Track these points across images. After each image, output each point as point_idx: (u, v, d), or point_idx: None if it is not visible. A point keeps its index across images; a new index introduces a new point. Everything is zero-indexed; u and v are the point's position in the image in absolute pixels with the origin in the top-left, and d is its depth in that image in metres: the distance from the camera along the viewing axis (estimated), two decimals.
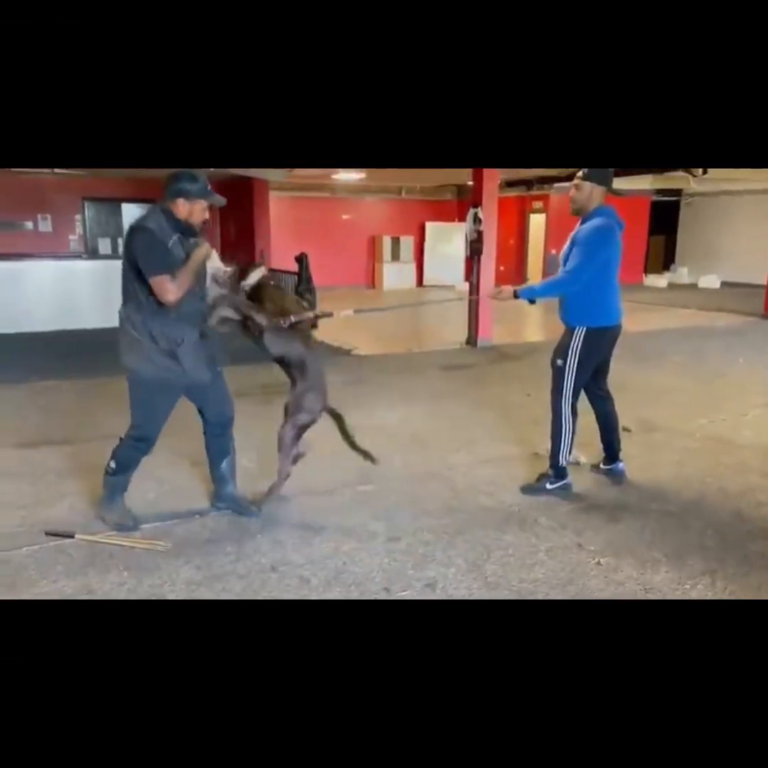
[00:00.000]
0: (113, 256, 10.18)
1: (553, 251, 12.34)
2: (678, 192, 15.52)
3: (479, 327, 7.84)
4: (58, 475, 3.77)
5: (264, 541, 3.00)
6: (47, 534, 3.01)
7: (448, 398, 5.55)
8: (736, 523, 3.20)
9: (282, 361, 3.17)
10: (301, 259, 8.67)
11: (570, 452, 3.54)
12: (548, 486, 3.51)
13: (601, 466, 3.77)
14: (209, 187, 2.86)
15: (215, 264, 3.06)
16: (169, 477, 3.70)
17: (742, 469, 3.90)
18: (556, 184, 12.32)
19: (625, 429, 4.59)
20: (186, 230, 2.87)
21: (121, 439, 3.07)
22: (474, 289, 7.87)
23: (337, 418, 3.27)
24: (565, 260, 3.35)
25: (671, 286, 15.43)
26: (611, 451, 3.72)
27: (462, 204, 14.93)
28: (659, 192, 15.03)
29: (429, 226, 15.41)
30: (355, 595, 2.57)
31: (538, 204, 14.55)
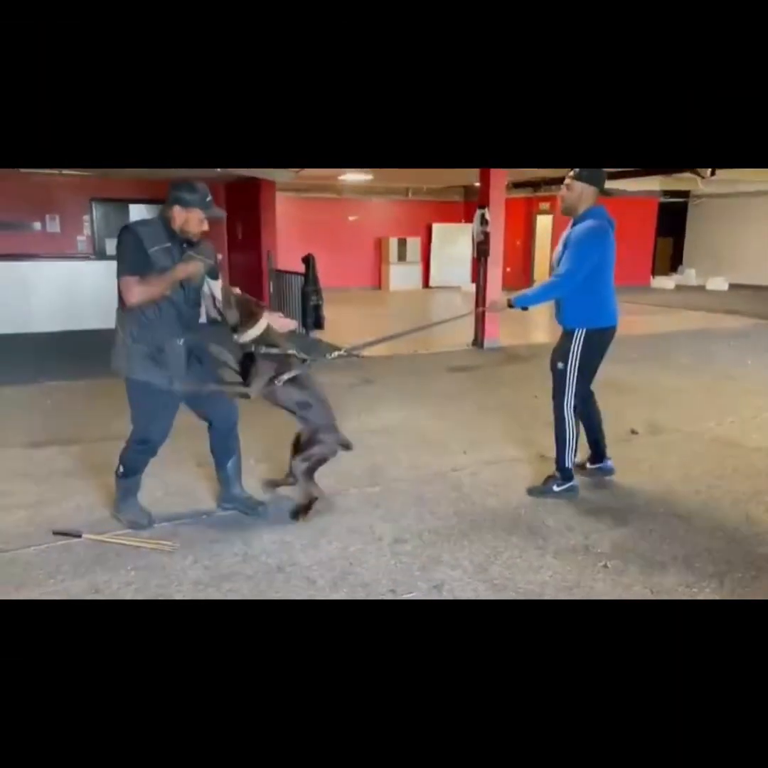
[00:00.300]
0: None
1: None
2: (686, 193, 15.48)
3: (486, 328, 7.83)
4: (64, 475, 3.78)
5: (271, 541, 3.00)
6: (54, 533, 3.02)
7: (455, 399, 5.54)
8: (744, 526, 3.18)
9: (280, 403, 3.16)
10: (307, 260, 8.68)
11: (576, 454, 3.53)
12: (555, 488, 3.50)
13: (588, 465, 3.75)
14: (209, 199, 2.85)
15: (215, 292, 3.03)
16: (175, 477, 3.71)
17: (751, 472, 3.88)
18: None
19: (633, 431, 4.59)
20: (181, 239, 2.85)
21: (126, 442, 3.08)
22: (481, 291, 7.86)
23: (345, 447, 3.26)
24: (558, 262, 3.34)
25: (679, 288, 15.38)
26: (598, 449, 3.71)
27: (469, 205, 14.93)
28: (667, 193, 15.00)
29: (436, 227, 15.41)
30: (361, 596, 2.57)
31: (545, 205, 14.53)
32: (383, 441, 4.38)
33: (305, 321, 8.65)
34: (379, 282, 15.32)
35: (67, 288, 8.79)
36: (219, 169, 8.74)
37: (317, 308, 8.59)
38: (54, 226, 10.74)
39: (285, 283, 9.60)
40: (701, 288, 15.20)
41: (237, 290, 3.11)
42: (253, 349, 3.02)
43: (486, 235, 7.68)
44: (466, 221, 14.82)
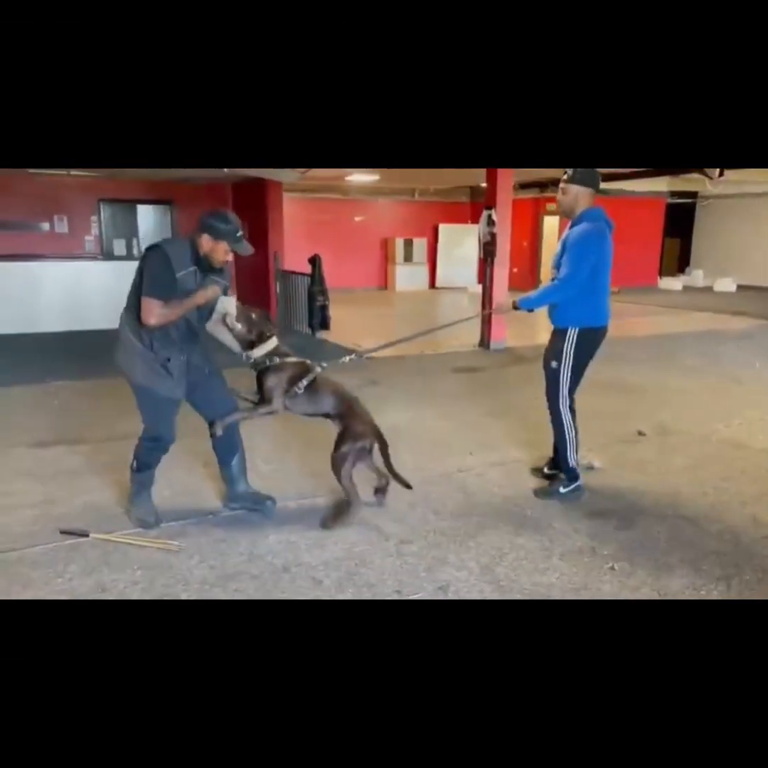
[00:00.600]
0: (128, 257, 10.27)
1: None
2: (694, 194, 15.42)
3: (492, 329, 7.81)
4: (71, 475, 3.80)
5: (277, 541, 3.00)
6: (62, 532, 3.03)
7: (461, 401, 5.53)
8: (752, 529, 3.16)
9: (311, 410, 3.18)
10: (314, 261, 8.68)
11: (577, 452, 3.51)
12: (562, 490, 3.49)
13: (545, 469, 3.72)
14: (240, 235, 2.89)
15: (228, 306, 3.07)
16: (182, 477, 3.72)
17: (759, 474, 3.85)
18: None
19: (640, 433, 4.57)
20: (205, 265, 2.90)
21: (139, 439, 3.11)
22: (487, 291, 7.84)
23: (383, 445, 3.23)
24: (558, 265, 3.34)
25: (686, 289, 15.31)
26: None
27: (475, 206, 14.90)
28: (675, 194, 14.94)
29: (442, 227, 15.39)
30: (367, 597, 2.57)
31: (552, 206, 14.47)
32: (389, 441, 4.37)
33: (311, 321, 8.65)
34: (385, 282, 15.31)
35: (75, 288, 8.83)
36: (226, 170, 8.76)
37: (323, 309, 8.59)
38: (62, 226, 10.78)
39: (291, 284, 9.61)
40: (709, 289, 15.12)
41: (249, 308, 3.16)
42: (266, 363, 3.07)
43: (493, 235, 7.67)
44: (472, 222, 14.81)
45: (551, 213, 14.58)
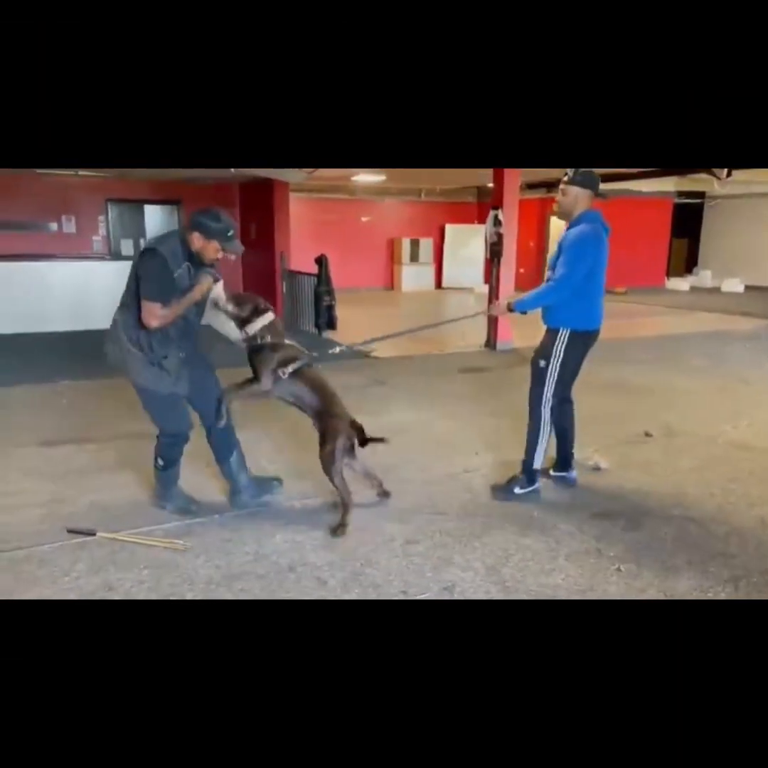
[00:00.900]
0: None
1: None
2: (702, 194, 15.35)
3: (498, 330, 7.80)
4: (79, 474, 3.81)
5: (282, 541, 3.01)
6: (69, 531, 3.04)
7: (467, 401, 5.53)
8: (759, 530, 3.15)
9: (291, 400, 3.20)
10: (320, 261, 8.69)
11: (544, 456, 3.49)
12: (517, 490, 3.47)
13: (552, 472, 3.71)
14: (231, 234, 2.90)
15: (218, 292, 3.11)
16: (187, 477, 3.70)
17: (766, 475, 3.83)
18: None
19: (647, 434, 4.56)
20: (196, 261, 2.92)
21: (157, 437, 3.17)
22: (493, 292, 7.84)
23: (359, 431, 3.23)
24: (553, 266, 3.33)
25: (693, 289, 15.25)
26: (565, 457, 3.68)
27: (482, 206, 14.89)
28: (683, 194, 14.87)
29: (449, 228, 15.38)
30: (372, 597, 2.57)
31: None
32: (395, 442, 4.36)
33: (318, 321, 8.66)
34: (391, 283, 15.31)
35: (83, 288, 8.86)
36: (233, 170, 8.78)
37: (330, 308, 8.60)
38: (70, 226, 10.83)
39: (298, 284, 9.63)
40: (716, 290, 15.06)
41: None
42: (258, 341, 3.10)
43: (499, 236, 7.65)
44: (479, 222, 14.79)
45: None
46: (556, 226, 14.57)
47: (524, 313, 3.43)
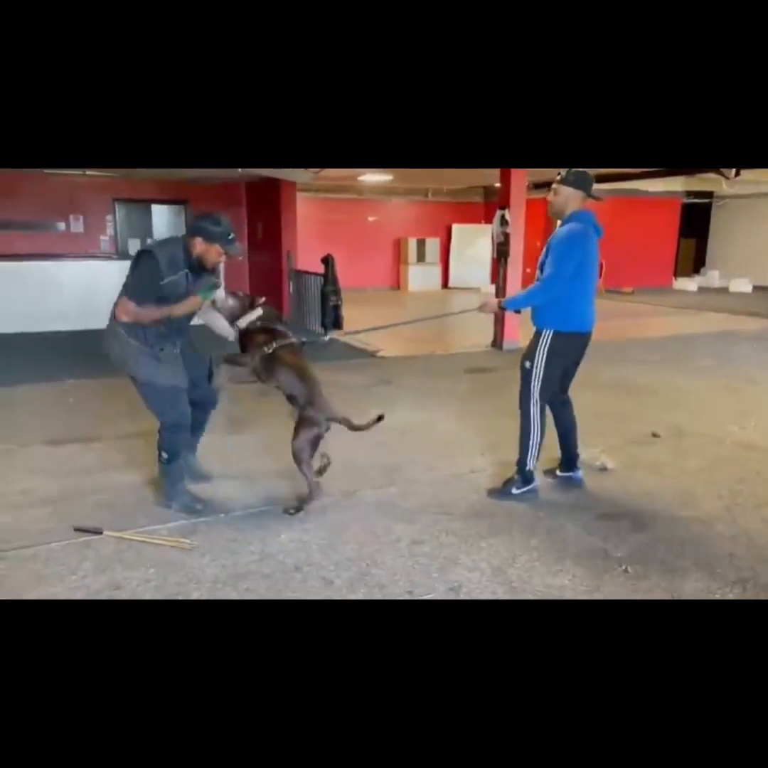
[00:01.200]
0: None
1: None
2: (710, 194, 15.27)
3: (504, 329, 7.79)
4: (85, 472, 3.82)
5: (288, 540, 3.01)
6: (76, 530, 3.05)
7: (473, 401, 5.52)
8: (767, 531, 3.13)
9: (272, 377, 3.30)
10: (327, 261, 8.70)
11: (537, 457, 3.49)
12: (514, 491, 3.47)
13: (558, 472, 3.70)
14: (231, 237, 2.98)
15: (218, 297, 3.27)
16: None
17: None
18: None
19: (654, 435, 4.54)
20: (197, 267, 3.02)
21: (158, 431, 3.21)
22: (500, 292, 7.82)
23: (345, 422, 3.29)
24: (542, 267, 3.31)
25: (701, 289, 15.18)
26: (570, 458, 3.66)
27: (489, 206, 14.86)
28: (691, 194, 14.80)
29: (455, 227, 15.36)
30: (378, 597, 2.57)
31: None
32: (400, 442, 4.37)
33: (324, 321, 8.67)
34: (397, 282, 15.31)
35: (90, 287, 8.88)
36: (240, 170, 8.79)
37: (336, 308, 8.60)
38: (78, 226, 10.87)
39: (304, 283, 9.63)
40: (724, 290, 14.99)
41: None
42: (250, 327, 3.27)
43: (506, 235, 7.64)
44: (485, 222, 14.76)
45: None
46: None
47: (518, 311, 3.45)
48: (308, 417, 3.20)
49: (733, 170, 9.79)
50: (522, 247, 7.81)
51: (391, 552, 2.91)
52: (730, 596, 2.58)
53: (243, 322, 3.28)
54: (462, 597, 2.57)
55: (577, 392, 3.63)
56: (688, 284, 15.33)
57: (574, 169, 3.27)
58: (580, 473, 3.67)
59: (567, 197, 3.27)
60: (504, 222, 7.63)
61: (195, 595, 2.56)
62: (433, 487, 3.65)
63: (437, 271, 15.31)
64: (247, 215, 11.71)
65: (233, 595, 2.56)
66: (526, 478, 3.48)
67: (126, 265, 3.17)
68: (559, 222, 3.37)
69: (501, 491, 3.50)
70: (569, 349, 3.37)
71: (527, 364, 3.39)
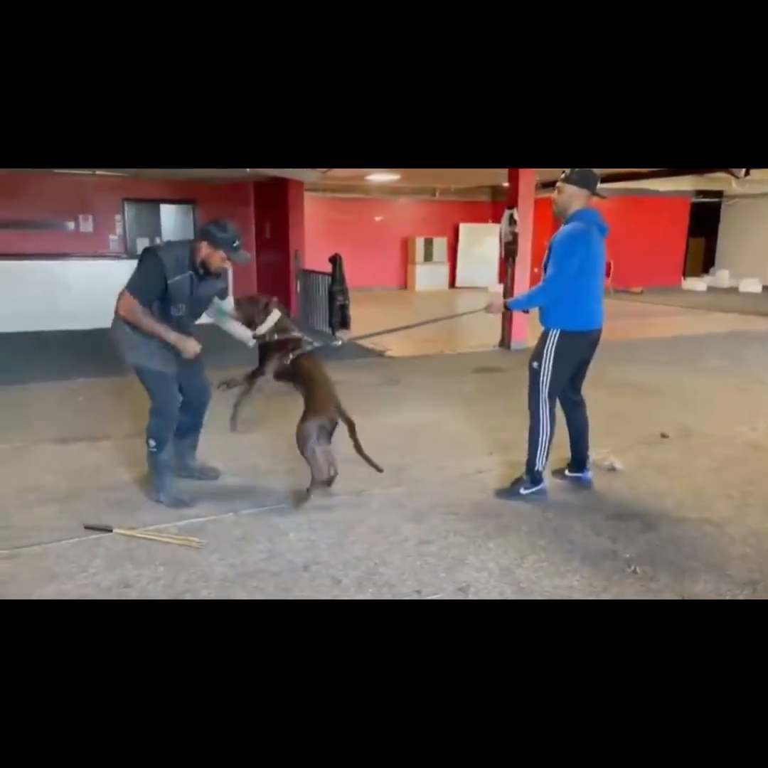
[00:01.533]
0: None
1: None
2: (719, 194, 15.19)
3: (512, 329, 7.77)
4: (95, 470, 3.84)
5: (297, 539, 3.01)
6: (86, 527, 3.07)
7: (481, 401, 5.51)
8: None
9: (290, 380, 3.39)
10: (334, 260, 8.70)
11: (547, 457, 3.47)
12: (522, 491, 3.46)
13: (567, 472, 3.69)
14: (236, 244, 3.08)
15: (227, 308, 3.44)
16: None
17: None
18: None
19: (663, 435, 4.52)
20: (201, 271, 3.12)
21: (149, 417, 3.31)
22: (508, 291, 7.80)
23: (349, 425, 3.30)
24: (545, 266, 3.31)
25: (710, 289, 15.11)
26: (580, 458, 3.65)
27: (496, 205, 14.83)
28: (700, 193, 14.73)
29: (463, 227, 15.34)
30: (386, 596, 2.57)
31: None
32: (408, 441, 4.38)
33: (331, 321, 8.68)
34: (405, 282, 15.30)
35: (99, 286, 8.93)
36: (248, 170, 8.82)
37: (343, 308, 8.61)
38: (87, 226, 10.93)
39: (312, 283, 9.65)
40: (734, 289, 14.91)
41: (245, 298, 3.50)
42: (267, 339, 3.34)
43: (514, 235, 7.63)
44: (493, 221, 14.75)
45: None
46: None
47: (526, 311, 3.44)
48: (319, 405, 3.24)
49: (743, 170, 9.74)
50: (530, 247, 7.79)
51: (399, 551, 2.92)
52: (740, 597, 2.57)
53: (262, 329, 3.34)
54: (470, 597, 2.57)
55: (586, 392, 3.62)
56: (698, 284, 15.26)
57: (577, 168, 3.25)
58: (589, 474, 3.66)
59: (571, 196, 3.25)
60: (512, 221, 7.62)
61: (204, 594, 2.57)
62: (441, 486, 3.65)
63: (444, 270, 15.29)
64: (255, 215, 11.74)
65: (242, 594, 2.57)
66: (534, 478, 3.47)
67: (135, 264, 3.23)
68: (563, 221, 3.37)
69: (509, 491, 3.49)
70: (577, 349, 3.36)
71: (535, 364, 3.38)
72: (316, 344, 3.45)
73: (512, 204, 7.66)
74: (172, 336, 3.12)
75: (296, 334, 3.41)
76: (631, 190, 11.59)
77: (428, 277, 15.00)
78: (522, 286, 7.71)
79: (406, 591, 2.61)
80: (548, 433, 3.43)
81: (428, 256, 15.02)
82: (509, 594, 2.59)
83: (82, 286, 8.91)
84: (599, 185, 3.35)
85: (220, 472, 3.69)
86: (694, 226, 15.63)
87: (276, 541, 3.00)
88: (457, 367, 6.89)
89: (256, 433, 4.42)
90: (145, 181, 10.73)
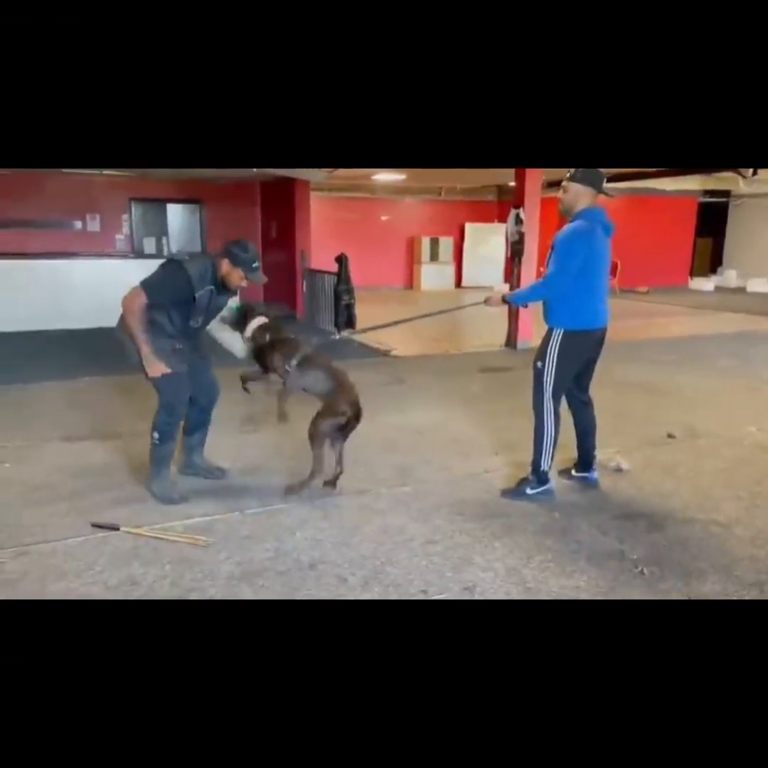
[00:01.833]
0: (158, 255, 10.40)
1: None
2: (727, 193, 15.12)
3: (519, 328, 7.76)
4: (102, 469, 3.86)
5: (303, 538, 3.02)
6: (93, 526, 3.08)
7: (487, 400, 5.50)
8: None
9: (307, 391, 3.40)
10: (340, 260, 8.71)
11: (552, 457, 3.46)
12: (528, 491, 3.45)
13: (573, 472, 3.68)
14: (256, 265, 3.20)
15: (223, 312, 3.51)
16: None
17: None
18: None
19: (670, 435, 4.50)
20: (220, 286, 3.25)
21: (156, 411, 3.35)
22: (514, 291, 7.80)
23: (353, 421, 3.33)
24: (547, 263, 3.30)
25: (718, 289, 15.05)
26: (587, 458, 3.64)
27: (502, 205, 14.81)
28: (707, 193, 14.67)
29: (469, 226, 15.33)
30: (392, 596, 2.57)
31: None
32: (414, 441, 4.38)
33: (337, 320, 8.68)
34: (411, 282, 15.30)
35: (106, 285, 8.97)
36: (254, 169, 8.83)
37: (349, 307, 8.61)
38: (94, 225, 10.97)
39: (318, 282, 9.66)
40: (741, 289, 14.84)
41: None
42: (257, 342, 3.39)
43: (521, 234, 7.61)
44: (499, 221, 14.71)
45: None
46: None
47: (526, 305, 3.42)
48: (334, 404, 3.26)
49: (750, 169, 9.69)
50: (537, 246, 7.77)
51: (405, 551, 2.92)
52: (748, 598, 2.56)
53: (247, 332, 3.40)
54: (476, 597, 2.57)
55: (593, 392, 3.61)
56: (705, 284, 15.20)
57: (583, 168, 3.24)
58: (595, 474, 3.66)
59: (576, 194, 3.25)
60: (519, 221, 7.61)
61: (210, 592, 2.58)
62: (446, 486, 3.65)
63: (450, 270, 15.28)
64: (261, 214, 11.75)
65: (248, 592, 2.58)
66: (540, 478, 3.47)
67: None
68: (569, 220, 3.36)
69: (515, 491, 3.49)
70: (580, 348, 3.35)
71: (539, 364, 3.38)
72: (314, 341, 3.49)
73: (518, 203, 7.64)
74: (145, 349, 3.15)
75: (290, 335, 3.45)
76: (638, 190, 11.55)
77: (434, 276, 14.99)
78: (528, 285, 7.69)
79: (412, 590, 2.61)
80: (553, 433, 3.42)
81: (434, 256, 15.01)
82: (515, 594, 2.59)
83: (89, 286, 8.95)
84: (606, 184, 3.34)
85: (226, 473, 3.71)
86: (702, 226, 15.57)
87: (282, 539, 3.01)
88: (462, 367, 6.88)
89: (263, 432, 4.43)
90: (152, 180, 10.75)
